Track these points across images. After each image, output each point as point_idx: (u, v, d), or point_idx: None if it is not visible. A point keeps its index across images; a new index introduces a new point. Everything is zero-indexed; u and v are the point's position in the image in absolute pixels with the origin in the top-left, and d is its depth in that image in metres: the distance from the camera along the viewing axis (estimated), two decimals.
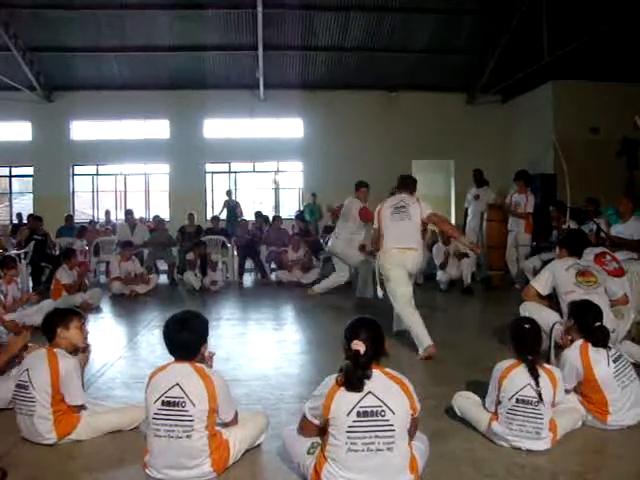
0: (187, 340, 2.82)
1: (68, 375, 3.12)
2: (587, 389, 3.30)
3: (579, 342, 3.38)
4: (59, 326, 3.27)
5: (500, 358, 3.17)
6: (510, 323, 3.26)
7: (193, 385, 2.72)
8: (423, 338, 4.81)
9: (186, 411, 2.67)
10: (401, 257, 5.07)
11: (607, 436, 3.21)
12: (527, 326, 3.15)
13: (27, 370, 3.14)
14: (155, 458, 2.72)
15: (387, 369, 2.59)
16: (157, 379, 2.79)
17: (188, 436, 2.67)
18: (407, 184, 5.52)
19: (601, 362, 3.26)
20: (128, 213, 11.33)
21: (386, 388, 2.50)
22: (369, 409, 2.44)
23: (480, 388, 3.28)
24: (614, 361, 3.28)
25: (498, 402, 3.06)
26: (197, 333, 2.87)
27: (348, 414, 2.44)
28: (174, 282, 10.04)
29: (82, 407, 3.23)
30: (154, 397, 2.73)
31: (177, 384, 2.71)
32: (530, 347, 3.06)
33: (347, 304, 7.37)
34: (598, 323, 3.42)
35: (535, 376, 2.96)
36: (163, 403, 2.70)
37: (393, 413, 2.44)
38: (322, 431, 2.60)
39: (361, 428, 2.43)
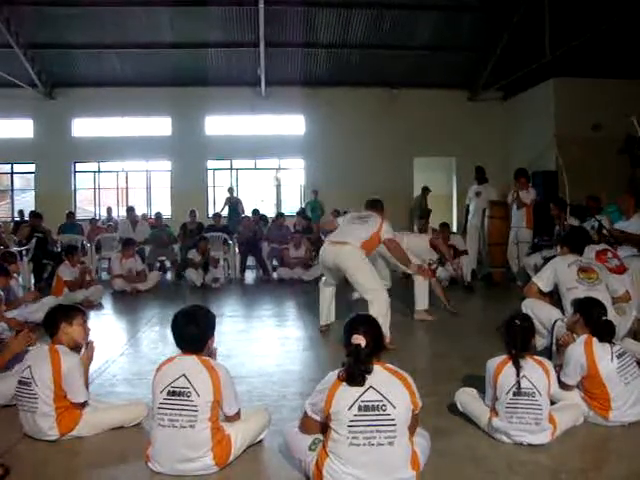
0: (194, 333, 2.88)
1: (70, 372, 3.13)
2: (590, 384, 3.31)
3: (583, 337, 3.39)
4: (62, 321, 3.29)
5: (501, 355, 3.17)
6: (505, 319, 3.28)
7: (199, 376, 2.77)
8: (322, 315, 5.85)
9: (191, 401, 2.71)
10: (328, 251, 5.38)
11: (608, 433, 3.22)
12: (517, 322, 3.18)
13: (29, 367, 3.15)
14: (158, 450, 2.74)
15: (388, 364, 2.62)
16: (164, 370, 2.84)
17: (192, 426, 2.70)
18: (377, 206, 5.79)
19: (605, 357, 3.28)
20: (130, 210, 11.33)
21: (387, 383, 2.53)
22: (370, 403, 2.46)
23: (481, 384, 3.29)
24: (618, 357, 3.30)
25: (496, 399, 3.08)
26: (204, 327, 2.93)
27: (349, 408, 2.46)
28: (176, 279, 10.06)
29: (85, 404, 3.24)
30: (160, 387, 2.78)
31: (183, 375, 2.76)
32: (517, 342, 3.09)
33: (350, 302, 7.36)
34: (605, 317, 3.45)
35: (517, 368, 3.00)
36: (169, 393, 2.75)
37: (394, 407, 2.46)
38: (323, 427, 2.62)
39: (362, 422, 2.45)
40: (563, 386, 3.35)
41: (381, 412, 2.45)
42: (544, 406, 3.00)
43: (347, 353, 2.58)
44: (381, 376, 2.54)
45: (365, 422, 2.45)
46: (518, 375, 2.99)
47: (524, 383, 2.99)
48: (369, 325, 2.64)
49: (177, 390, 2.74)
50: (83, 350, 3.42)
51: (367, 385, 2.49)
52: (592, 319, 3.47)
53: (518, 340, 3.09)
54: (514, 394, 2.98)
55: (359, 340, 2.53)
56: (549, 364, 3.15)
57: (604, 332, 3.39)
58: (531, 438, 2.98)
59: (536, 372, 3.03)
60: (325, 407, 2.52)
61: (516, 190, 8.66)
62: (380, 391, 2.48)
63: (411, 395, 2.52)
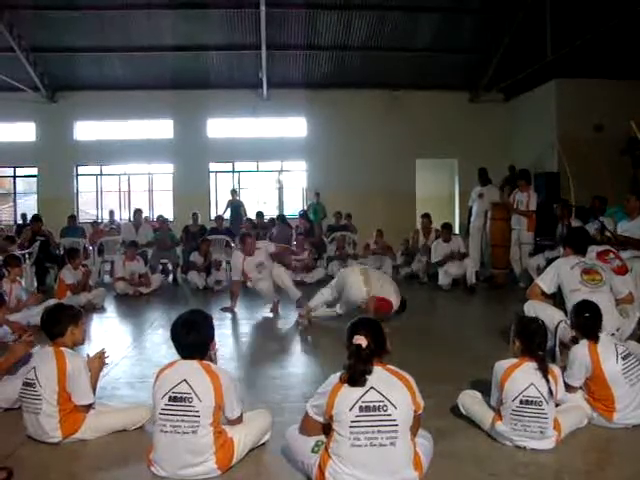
0: (195, 341, 2.86)
1: (76, 374, 3.13)
2: (594, 385, 3.30)
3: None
4: (71, 324, 3.29)
5: (504, 357, 3.16)
6: (515, 321, 3.25)
7: (200, 381, 2.75)
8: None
9: (193, 406, 2.69)
10: None
11: (612, 435, 3.21)
12: (539, 322, 3.16)
13: (34, 368, 3.16)
14: (160, 455, 2.73)
15: (389, 365, 2.63)
16: (165, 375, 2.82)
17: (194, 432, 2.68)
18: None
19: (611, 359, 3.27)
20: (137, 212, 11.34)
21: (388, 383, 2.54)
22: (371, 404, 2.47)
23: (484, 386, 3.28)
24: (623, 358, 3.30)
25: (501, 403, 3.05)
26: (205, 333, 2.92)
27: (351, 409, 2.47)
28: (177, 282, 10.06)
29: (90, 407, 3.24)
30: (161, 393, 2.76)
31: (184, 380, 2.74)
32: (542, 344, 3.07)
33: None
34: (587, 314, 3.46)
35: (545, 373, 2.96)
36: (170, 399, 2.73)
37: (395, 408, 2.47)
38: (325, 429, 2.62)
39: (364, 423, 2.46)
40: (567, 388, 3.33)
41: (382, 412, 2.46)
42: (550, 414, 2.96)
43: (348, 354, 2.59)
44: (382, 377, 2.55)
45: (366, 423, 2.45)
46: (548, 381, 2.94)
47: (532, 392, 2.94)
48: (370, 327, 2.65)
49: (179, 396, 2.71)
50: (89, 355, 3.43)
51: (368, 386, 2.50)
52: (578, 320, 3.50)
53: (542, 341, 3.08)
54: (521, 402, 2.94)
55: (360, 341, 2.55)
56: (557, 370, 3.13)
57: (586, 328, 3.41)
58: (535, 444, 2.96)
59: (545, 379, 2.99)
60: (327, 409, 2.53)
61: (509, 193, 8.71)
62: (381, 392, 2.49)
63: (412, 396, 2.53)
